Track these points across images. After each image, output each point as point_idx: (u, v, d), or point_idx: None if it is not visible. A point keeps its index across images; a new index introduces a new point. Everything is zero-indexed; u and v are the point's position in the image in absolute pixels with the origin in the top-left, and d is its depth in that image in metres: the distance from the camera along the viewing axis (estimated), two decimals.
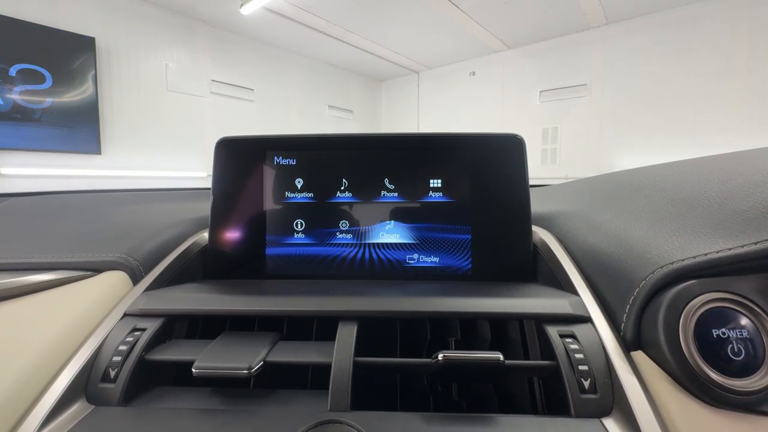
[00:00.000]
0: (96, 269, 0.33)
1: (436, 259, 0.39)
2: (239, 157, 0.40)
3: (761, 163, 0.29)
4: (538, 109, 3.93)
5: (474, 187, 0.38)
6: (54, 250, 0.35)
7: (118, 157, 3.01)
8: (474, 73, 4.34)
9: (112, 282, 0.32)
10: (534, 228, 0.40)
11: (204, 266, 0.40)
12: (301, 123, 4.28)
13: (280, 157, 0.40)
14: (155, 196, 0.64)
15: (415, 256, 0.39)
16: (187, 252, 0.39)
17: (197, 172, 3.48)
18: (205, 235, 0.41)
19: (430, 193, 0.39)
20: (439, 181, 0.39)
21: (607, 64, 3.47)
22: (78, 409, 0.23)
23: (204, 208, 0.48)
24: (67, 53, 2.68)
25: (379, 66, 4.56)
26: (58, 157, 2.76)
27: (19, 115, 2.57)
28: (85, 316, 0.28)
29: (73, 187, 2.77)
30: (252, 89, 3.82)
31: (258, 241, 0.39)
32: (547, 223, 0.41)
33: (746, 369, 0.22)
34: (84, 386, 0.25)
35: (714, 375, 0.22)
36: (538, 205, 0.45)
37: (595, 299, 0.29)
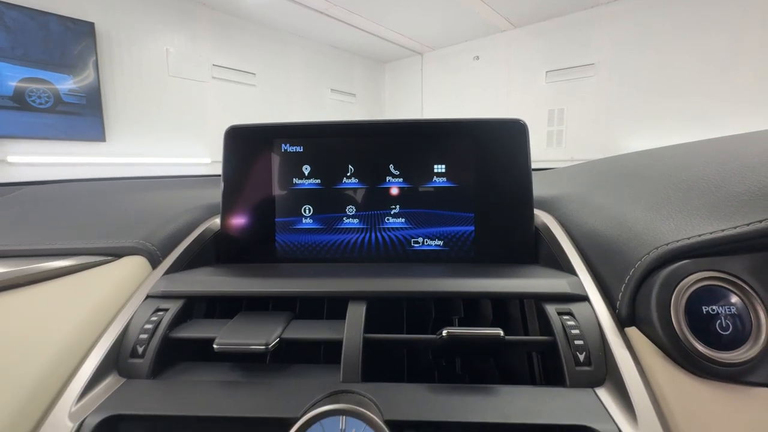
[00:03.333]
0: (116, 254, 0.35)
1: (441, 242, 0.40)
2: (248, 145, 0.41)
3: (758, 146, 0.30)
4: (545, 90, 3.85)
5: (477, 171, 0.39)
6: (74, 236, 0.37)
7: (123, 144, 3.02)
8: (478, 57, 4.24)
9: (133, 266, 0.34)
10: (536, 211, 0.41)
11: (217, 251, 0.42)
12: (303, 107, 4.23)
13: (288, 145, 0.41)
14: (164, 183, 0.65)
15: (420, 239, 0.40)
16: (201, 237, 0.40)
17: (201, 158, 3.49)
18: (217, 220, 0.43)
19: (435, 178, 0.40)
20: (443, 166, 0.40)
21: (616, 42, 3.37)
22: (111, 382, 0.26)
23: (213, 194, 0.50)
24: (66, 39, 2.66)
25: (381, 47, 4.46)
26: (62, 144, 2.78)
27: (21, 102, 2.57)
28: (109, 298, 0.30)
29: (80, 175, 2.80)
30: (254, 73, 3.77)
31: (268, 226, 0.41)
32: (549, 207, 0.42)
33: (733, 343, 0.23)
34: (115, 362, 0.27)
35: (702, 348, 0.23)
36: (540, 188, 0.46)
37: (593, 279, 0.30)
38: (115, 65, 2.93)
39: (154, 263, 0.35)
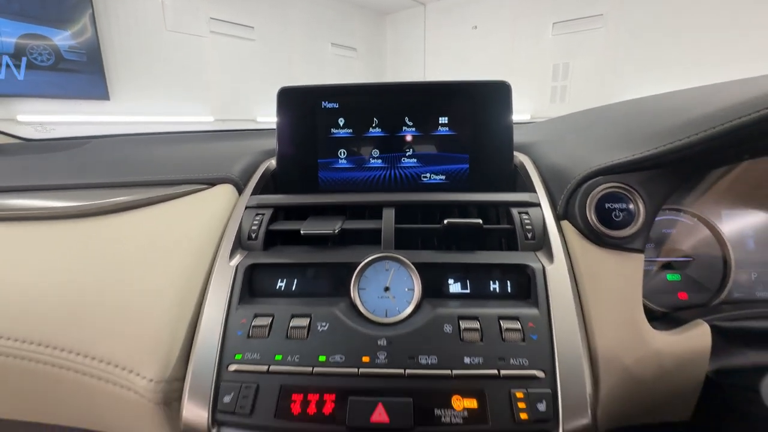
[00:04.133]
0: (212, 183, 0.49)
1: (443, 177, 0.54)
2: (296, 103, 0.53)
3: (661, 104, 0.43)
4: (551, 43, 3.77)
5: (472, 122, 0.52)
6: (174, 172, 0.50)
7: (128, 102, 3.04)
8: (476, 27, 4.08)
9: (225, 192, 0.48)
10: (516, 153, 0.54)
11: (274, 184, 0.56)
12: (304, 62, 4.17)
13: (327, 102, 0.53)
14: (215, 135, 0.78)
15: (428, 174, 0.54)
16: (264, 174, 0.54)
17: (204, 116, 3.50)
18: (273, 161, 0.56)
19: (439, 127, 0.53)
20: (446, 118, 0.53)
21: None
22: (241, 252, 0.41)
23: (260, 144, 0.63)
24: None
25: None
26: (68, 103, 2.81)
27: (22, 60, 2.57)
28: (219, 209, 0.45)
29: (87, 134, 2.87)
30: (252, 27, 3.69)
31: (312, 165, 0.54)
32: (527, 150, 0.56)
33: (622, 225, 0.38)
34: (239, 243, 0.42)
35: (602, 228, 0.38)
36: (522, 137, 0.59)
37: (546, 194, 0.45)
38: (111, 19, 2.88)
39: (239, 190, 0.49)
